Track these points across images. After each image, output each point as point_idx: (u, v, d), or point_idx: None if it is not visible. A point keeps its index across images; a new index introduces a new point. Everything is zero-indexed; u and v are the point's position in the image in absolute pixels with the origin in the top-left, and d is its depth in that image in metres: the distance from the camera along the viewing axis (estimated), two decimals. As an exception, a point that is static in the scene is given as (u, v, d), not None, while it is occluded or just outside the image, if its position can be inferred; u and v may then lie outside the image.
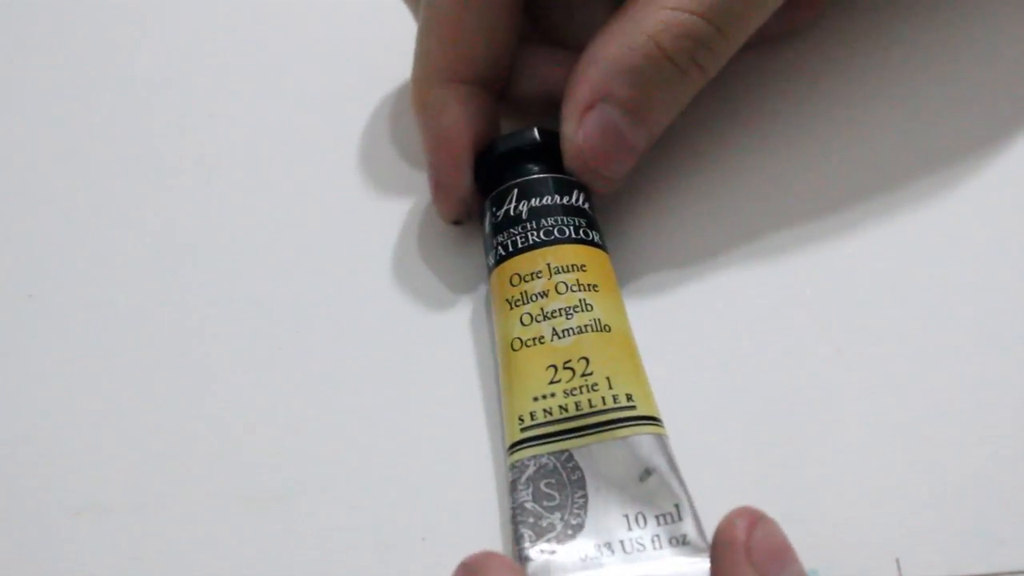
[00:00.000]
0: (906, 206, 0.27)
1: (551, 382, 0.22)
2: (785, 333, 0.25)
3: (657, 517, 0.21)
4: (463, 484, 0.24)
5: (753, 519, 0.19)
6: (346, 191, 0.30)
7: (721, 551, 0.19)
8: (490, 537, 0.22)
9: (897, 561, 0.21)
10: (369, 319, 0.27)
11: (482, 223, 0.27)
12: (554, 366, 0.23)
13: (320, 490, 0.24)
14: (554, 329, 0.23)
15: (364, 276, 0.28)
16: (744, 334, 0.25)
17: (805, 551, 0.20)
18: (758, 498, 0.22)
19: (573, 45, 0.27)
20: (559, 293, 0.24)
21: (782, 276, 0.26)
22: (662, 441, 0.22)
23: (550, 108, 0.26)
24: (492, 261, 0.25)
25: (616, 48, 0.25)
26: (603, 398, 0.22)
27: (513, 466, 0.22)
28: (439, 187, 0.27)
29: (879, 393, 0.24)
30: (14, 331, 0.28)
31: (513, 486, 0.22)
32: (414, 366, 0.26)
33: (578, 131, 0.25)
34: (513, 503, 0.21)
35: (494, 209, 0.26)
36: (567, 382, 0.22)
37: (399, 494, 0.24)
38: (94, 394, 0.26)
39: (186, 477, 0.24)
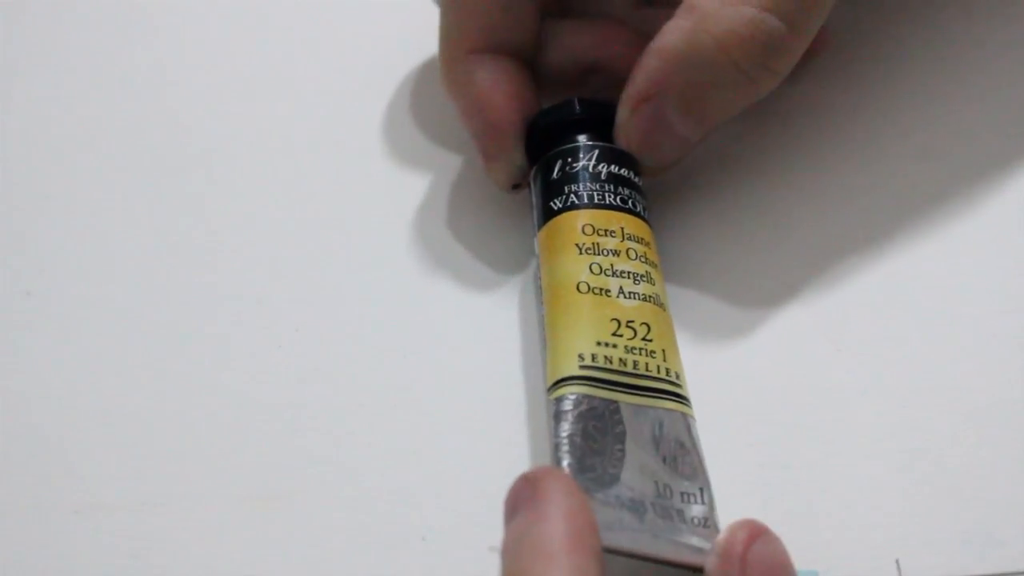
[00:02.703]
0: (908, 208, 0.28)
1: (614, 334, 0.22)
2: (785, 333, 0.25)
3: (682, 494, 0.21)
4: (464, 484, 0.23)
5: (754, 533, 0.19)
6: (372, 173, 0.30)
7: (717, 561, 0.19)
8: (492, 537, 0.22)
9: (897, 562, 0.22)
10: (367, 321, 0.27)
11: (547, 171, 0.26)
12: (617, 320, 0.23)
13: (320, 490, 0.24)
14: (621, 288, 0.23)
15: (366, 271, 0.28)
16: (744, 334, 0.26)
17: (805, 551, 0.20)
18: (757, 498, 0.23)
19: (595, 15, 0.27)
20: (630, 258, 0.24)
21: (782, 276, 0.26)
22: (695, 427, 0.22)
23: (580, 78, 0.27)
24: (560, 205, 0.25)
25: (682, 44, 0.24)
26: (659, 367, 0.22)
27: (563, 398, 0.21)
28: (487, 155, 0.27)
29: (879, 393, 0.24)
30: (12, 329, 0.28)
31: (562, 416, 0.21)
32: (415, 365, 0.26)
33: (631, 119, 0.25)
34: (560, 433, 0.21)
35: (569, 159, 0.25)
36: (629, 340, 0.22)
37: (399, 494, 0.23)
38: (93, 392, 0.26)
39: (186, 475, 0.24)
